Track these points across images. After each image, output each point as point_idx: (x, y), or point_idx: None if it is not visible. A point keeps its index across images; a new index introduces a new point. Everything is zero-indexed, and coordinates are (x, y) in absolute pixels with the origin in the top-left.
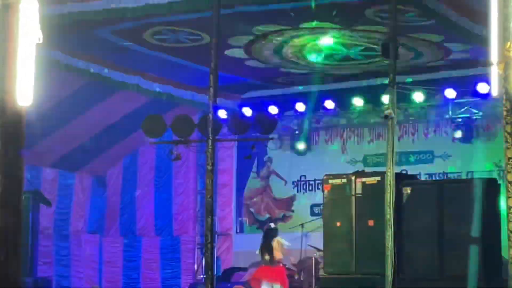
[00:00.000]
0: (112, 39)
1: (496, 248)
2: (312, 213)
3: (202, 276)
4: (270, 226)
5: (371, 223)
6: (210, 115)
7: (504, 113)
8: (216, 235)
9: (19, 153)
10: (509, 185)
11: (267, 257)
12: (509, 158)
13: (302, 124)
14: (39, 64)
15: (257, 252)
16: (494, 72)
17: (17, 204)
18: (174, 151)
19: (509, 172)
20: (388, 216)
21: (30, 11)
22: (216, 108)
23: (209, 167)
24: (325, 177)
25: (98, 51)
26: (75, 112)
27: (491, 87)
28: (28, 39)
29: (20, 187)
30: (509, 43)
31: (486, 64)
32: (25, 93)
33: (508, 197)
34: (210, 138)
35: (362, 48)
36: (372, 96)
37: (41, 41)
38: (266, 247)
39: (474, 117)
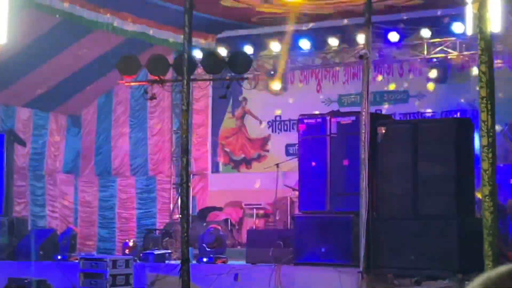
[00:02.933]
0: None
1: (469, 187)
2: (287, 153)
3: (177, 216)
4: None
5: (345, 162)
6: (185, 55)
7: (479, 52)
8: (191, 175)
9: None
10: (483, 124)
11: None
12: (483, 97)
13: (277, 64)
14: (12, 4)
15: None
16: (469, 11)
17: None
18: (148, 90)
19: (482, 111)
20: (363, 156)
21: None
22: (191, 48)
23: (184, 107)
24: (300, 117)
25: None
26: (50, 51)
27: (466, 26)
28: None
29: None
30: None
31: (461, 3)
32: None
33: (481, 136)
34: (185, 77)
35: None
36: (347, 36)
37: None
38: None
39: (449, 57)
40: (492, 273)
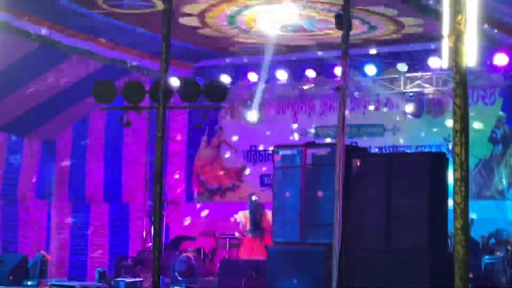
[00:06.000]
0: (65, 3)
1: (443, 222)
2: (262, 183)
3: (150, 244)
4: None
5: (320, 194)
6: (162, 82)
7: (454, 85)
8: (165, 203)
9: None
10: (456, 157)
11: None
12: (457, 131)
13: (254, 94)
14: None
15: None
16: (445, 45)
17: None
18: (124, 117)
19: (456, 144)
20: (337, 188)
21: None
22: (167, 75)
23: (159, 134)
24: (275, 148)
25: (51, 15)
26: (26, 76)
27: (442, 60)
28: None
29: None
30: (460, 16)
31: (438, 38)
32: None
33: (455, 170)
34: (161, 105)
35: (316, 19)
36: (324, 68)
37: None
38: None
39: (425, 92)
40: None
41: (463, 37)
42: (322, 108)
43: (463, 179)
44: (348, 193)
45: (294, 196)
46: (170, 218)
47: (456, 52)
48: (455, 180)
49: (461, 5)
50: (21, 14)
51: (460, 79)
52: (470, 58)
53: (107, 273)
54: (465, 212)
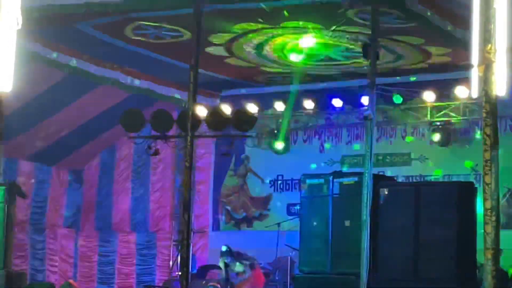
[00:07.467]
0: (93, 33)
1: (471, 251)
2: (289, 213)
3: (177, 272)
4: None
5: (347, 223)
6: (189, 111)
7: (484, 115)
8: (192, 232)
9: None
10: (486, 187)
11: None
12: (487, 160)
13: (281, 123)
14: (19, 57)
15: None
16: (475, 74)
17: None
18: (152, 146)
19: (486, 174)
20: (365, 217)
21: (11, 2)
22: (195, 105)
23: (187, 164)
24: (302, 177)
25: (79, 45)
26: (54, 105)
27: (471, 89)
28: (9, 29)
29: None
30: (490, 45)
31: (466, 68)
32: (5, 80)
33: (485, 199)
34: (189, 134)
35: (343, 49)
36: (351, 97)
37: (19, 26)
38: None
39: (452, 121)
40: None
41: (493, 66)
42: (349, 137)
43: (494, 209)
44: (375, 222)
45: (321, 225)
46: (197, 247)
47: (485, 81)
48: (485, 209)
49: (490, 34)
50: (50, 44)
51: (490, 108)
52: (500, 87)
53: None
54: (495, 241)
